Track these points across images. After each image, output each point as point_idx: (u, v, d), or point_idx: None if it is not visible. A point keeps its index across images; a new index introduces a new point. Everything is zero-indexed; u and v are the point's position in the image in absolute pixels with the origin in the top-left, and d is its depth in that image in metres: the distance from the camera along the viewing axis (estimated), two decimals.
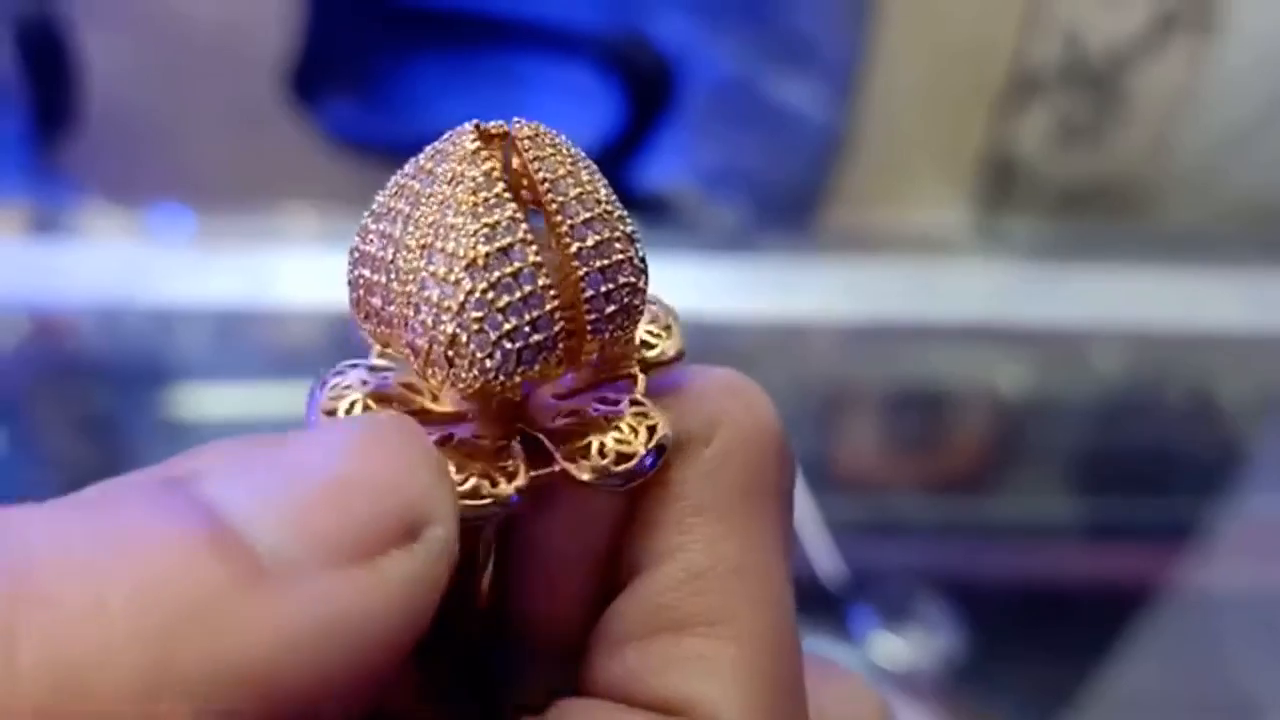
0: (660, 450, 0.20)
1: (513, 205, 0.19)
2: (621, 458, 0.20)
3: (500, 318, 0.18)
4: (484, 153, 0.19)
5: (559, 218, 0.19)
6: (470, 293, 0.18)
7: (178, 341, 0.68)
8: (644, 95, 0.84)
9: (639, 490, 0.21)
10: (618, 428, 0.20)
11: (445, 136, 0.20)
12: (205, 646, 0.15)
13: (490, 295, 0.18)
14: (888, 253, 0.83)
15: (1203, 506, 0.73)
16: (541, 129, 0.20)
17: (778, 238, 0.84)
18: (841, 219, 0.89)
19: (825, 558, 0.61)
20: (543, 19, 0.89)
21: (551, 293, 0.19)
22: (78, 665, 0.14)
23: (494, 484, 0.19)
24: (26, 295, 0.72)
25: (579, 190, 0.20)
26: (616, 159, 0.84)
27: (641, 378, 0.21)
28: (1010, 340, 0.77)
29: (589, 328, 0.20)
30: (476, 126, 0.19)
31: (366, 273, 0.20)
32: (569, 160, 0.20)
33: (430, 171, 0.19)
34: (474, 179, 0.18)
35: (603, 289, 0.20)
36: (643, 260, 0.21)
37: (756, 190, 0.86)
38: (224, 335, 0.69)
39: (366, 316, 0.20)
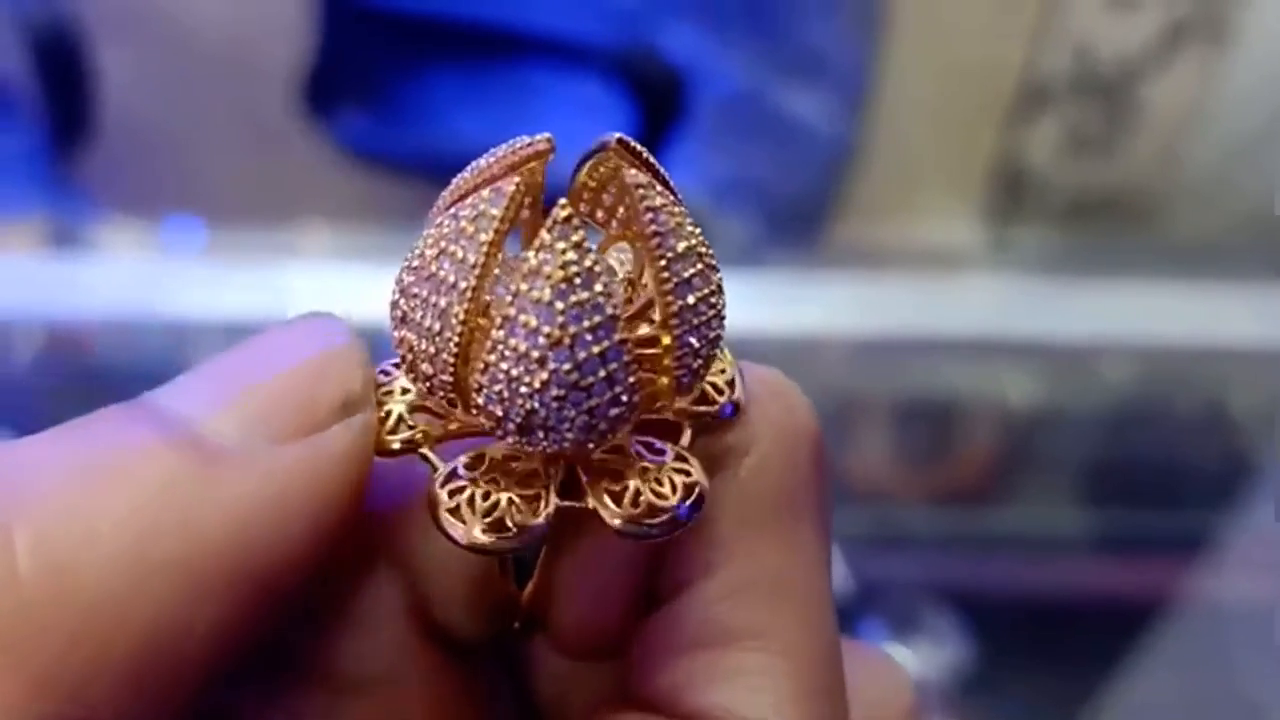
0: (695, 508, 0.19)
1: (603, 280, 0.18)
2: (654, 510, 0.19)
3: (582, 396, 0.18)
4: (574, 222, 0.18)
5: (666, 274, 0.19)
6: (555, 372, 0.18)
7: (191, 354, 0.68)
8: (654, 108, 0.84)
9: None
10: (657, 479, 0.19)
11: (493, 194, 0.19)
12: (178, 525, 0.17)
13: (574, 376, 0.18)
14: (897, 265, 0.83)
15: (1212, 519, 0.73)
16: (653, 176, 0.20)
17: (788, 250, 0.84)
18: (851, 232, 0.89)
19: (834, 569, 0.61)
20: (554, 32, 0.89)
21: (633, 366, 0.19)
22: (69, 555, 0.17)
23: (519, 514, 0.19)
24: (42, 308, 0.72)
25: (686, 245, 0.19)
26: None
27: (689, 430, 0.20)
28: (1020, 353, 0.77)
29: (676, 382, 0.20)
30: (520, 188, 0.19)
31: (412, 337, 0.20)
32: (680, 211, 0.20)
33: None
34: (563, 252, 0.18)
35: (694, 345, 0.20)
36: (724, 307, 0.20)
37: (766, 203, 0.86)
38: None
39: (412, 373, 0.20)
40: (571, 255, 0.18)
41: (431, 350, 0.19)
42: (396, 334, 0.20)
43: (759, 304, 0.74)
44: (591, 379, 0.18)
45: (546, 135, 0.20)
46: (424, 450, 0.20)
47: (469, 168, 0.20)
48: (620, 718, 0.21)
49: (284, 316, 0.21)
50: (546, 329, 0.18)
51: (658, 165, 0.20)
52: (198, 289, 0.71)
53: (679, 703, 0.20)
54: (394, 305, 0.20)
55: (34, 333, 0.72)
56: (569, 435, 0.19)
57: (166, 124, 0.87)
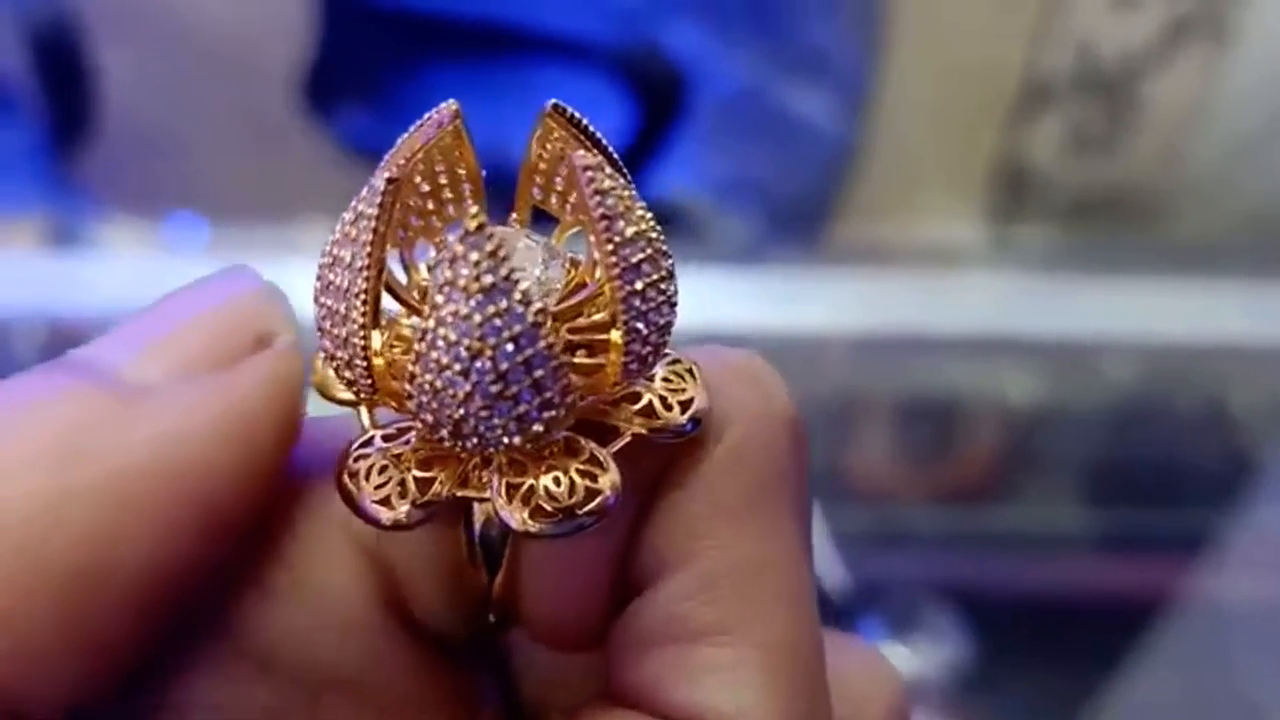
0: (596, 511, 0.19)
1: (521, 288, 0.18)
2: (543, 512, 0.19)
3: (509, 404, 0.18)
4: (486, 230, 0.17)
5: (614, 259, 0.19)
6: (478, 384, 0.18)
7: None
8: (656, 105, 0.84)
9: (651, 490, 0.20)
10: (557, 474, 0.19)
11: (374, 190, 0.19)
12: (97, 458, 0.18)
13: (498, 387, 0.18)
14: (899, 264, 0.83)
15: (1213, 518, 0.73)
16: (597, 150, 0.20)
17: (789, 249, 0.84)
18: (853, 230, 0.89)
19: (834, 568, 0.61)
20: (556, 30, 0.89)
21: (563, 369, 0.18)
22: None
23: (403, 495, 0.19)
24: (43, 306, 0.72)
25: (635, 230, 0.19)
26: (628, 169, 0.84)
27: (627, 436, 0.20)
28: (1021, 351, 0.77)
29: (623, 369, 0.19)
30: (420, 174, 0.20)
31: (326, 338, 0.20)
32: (629, 195, 0.19)
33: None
34: (477, 263, 0.17)
35: (642, 332, 0.19)
36: (676, 294, 0.20)
37: (768, 201, 0.86)
38: None
39: (339, 377, 0.20)
40: (486, 265, 0.17)
41: (345, 357, 0.19)
42: (319, 341, 0.20)
43: (761, 303, 0.74)
44: (516, 387, 0.18)
45: (451, 102, 0.21)
46: (360, 411, 0.21)
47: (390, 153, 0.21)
48: (603, 715, 0.21)
49: (298, 328, 0.21)
50: (466, 341, 0.18)
51: (600, 136, 0.20)
52: None
53: (655, 700, 0.20)
54: (315, 309, 0.20)
55: (35, 331, 0.72)
56: (503, 439, 0.18)
57: (167, 121, 0.87)
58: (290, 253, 0.73)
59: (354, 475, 0.19)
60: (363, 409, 0.20)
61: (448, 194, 0.21)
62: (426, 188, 0.21)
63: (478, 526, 0.21)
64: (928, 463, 0.77)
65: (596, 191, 0.19)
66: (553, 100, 0.20)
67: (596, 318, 0.20)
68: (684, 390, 0.20)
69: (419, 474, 0.19)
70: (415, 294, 0.21)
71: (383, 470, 0.19)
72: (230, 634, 0.20)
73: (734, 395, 0.21)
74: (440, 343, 0.18)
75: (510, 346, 0.18)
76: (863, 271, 0.80)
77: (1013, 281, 0.81)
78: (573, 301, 0.20)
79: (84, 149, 0.81)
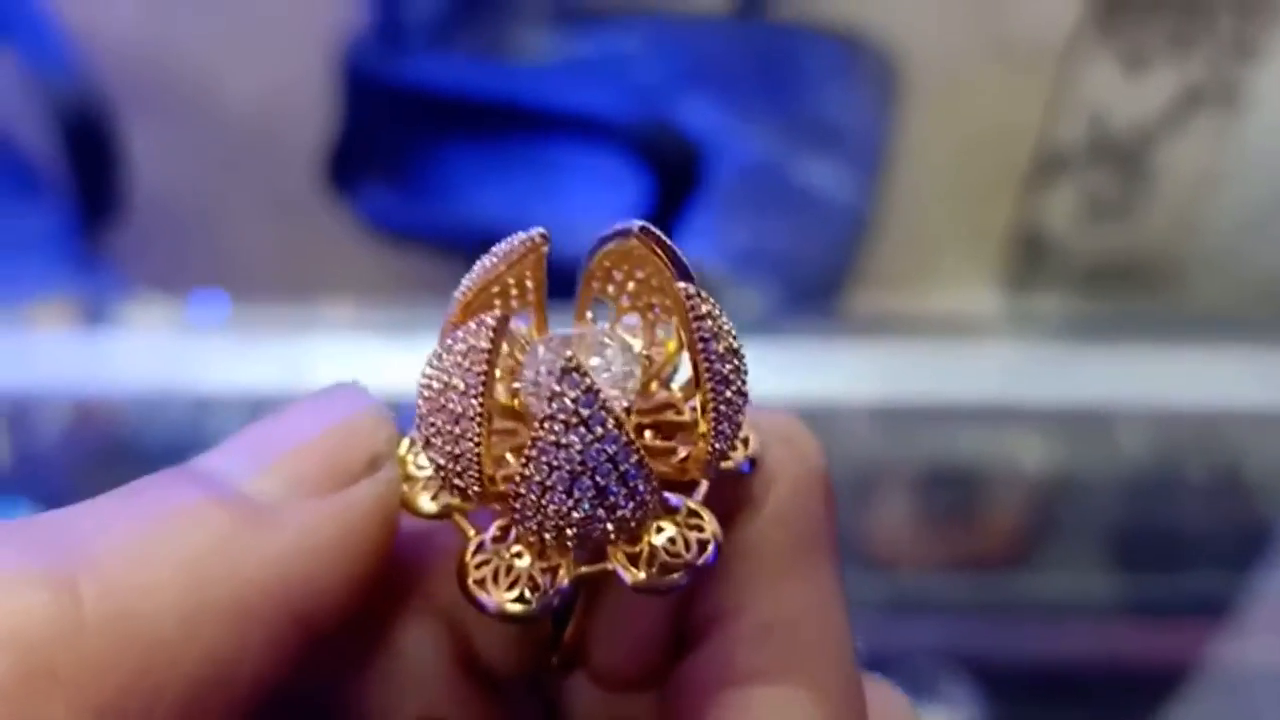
0: (709, 562, 0.21)
1: (614, 416, 0.20)
2: (668, 569, 0.21)
3: (608, 512, 0.20)
4: (581, 370, 0.20)
5: (709, 374, 0.21)
6: (578, 501, 0.20)
7: (216, 427, 0.69)
8: (672, 180, 0.85)
9: None
10: (671, 536, 0.21)
11: (470, 335, 0.21)
12: (227, 573, 0.19)
13: (598, 500, 0.20)
14: (915, 333, 0.83)
15: (1231, 584, 0.73)
16: (672, 260, 0.22)
17: (805, 319, 0.84)
18: (869, 300, 0.89)
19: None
20: (573, 108, 0.90)
21: (652, 471, 0.20)
22: (130, 604, 0.18)
23: (538, 585, 0.21)
24: (70, 383, 0.73)
25: (725, 346, 0.21)
26: None
27: (704, 485, 0.22)
28: (1037, 419, 0.77)
29: (707, 464, 0.21)
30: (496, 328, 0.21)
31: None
32: (719, 315, 0.21)
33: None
34: (574, 401, 0.20)
35: (725, 431, 0.21)
36: (748, 389, 0.22)
37: (784, 272, 0.87)
38: None
39: (446, 486, 0.22)
40: (583, 399, 0.20)
41: (459, 469, 0.21)
42: (426, 455, 0.22)
43: (778, 372, 0.75)
44: (613, 498, 0.20)
45: (540, 230, 0.22)
46: (456, 518, 0.22)
47: (473, 270, 0.22)
48: None
49: (308, 389, 0.23)
50: (568, 466, 0.20)
51: (676, 250, 0.22)
52: (222, 363, 0.72)
53: None
54: (417, 426, 0.22)
55: (63, 406, 0.73)
56: (599, 538, 0.21)
57: (193, 199, 0.88)
58: (312, 329, 0.74)
59: (481, 583, 0.21)
60: (458, 517, 0.22)
61: (520, 291, 0.23)
62: (512, 287, 0.23)
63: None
64: (944, 530, 0.77)
65: (696, 317, 0.21)
66: (639, 223, 0.22)
67: (661, 396, 0.23)
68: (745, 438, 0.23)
69: (542, 565, 0.21)
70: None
71: (509, 571, 0.21)
72: (322, 704, 0.22)
73: (775, 456, 0.23)
74: (544, 467, 0.20)
75: (609, 466, 0.20)
76: (879, 341, 0.81)
77: (1028, 349, 0.82)
78: (652, 404, 0.23)
79: (111, 228, 0.82)
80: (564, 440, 0.20)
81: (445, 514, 0.22)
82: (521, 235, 0.22)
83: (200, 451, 0.21)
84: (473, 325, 0.21)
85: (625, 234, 0.22)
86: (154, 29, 0.86)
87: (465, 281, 0.22)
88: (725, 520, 0.22)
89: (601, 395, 0.20)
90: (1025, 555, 0.77)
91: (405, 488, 0.22)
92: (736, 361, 0.21)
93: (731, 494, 0.22)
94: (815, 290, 0.88)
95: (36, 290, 0.77)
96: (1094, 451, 0.78)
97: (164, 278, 0.83)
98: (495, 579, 0.21)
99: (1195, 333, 0.81)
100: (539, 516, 0.20)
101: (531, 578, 0.21)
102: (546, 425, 0.20)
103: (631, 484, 0.20)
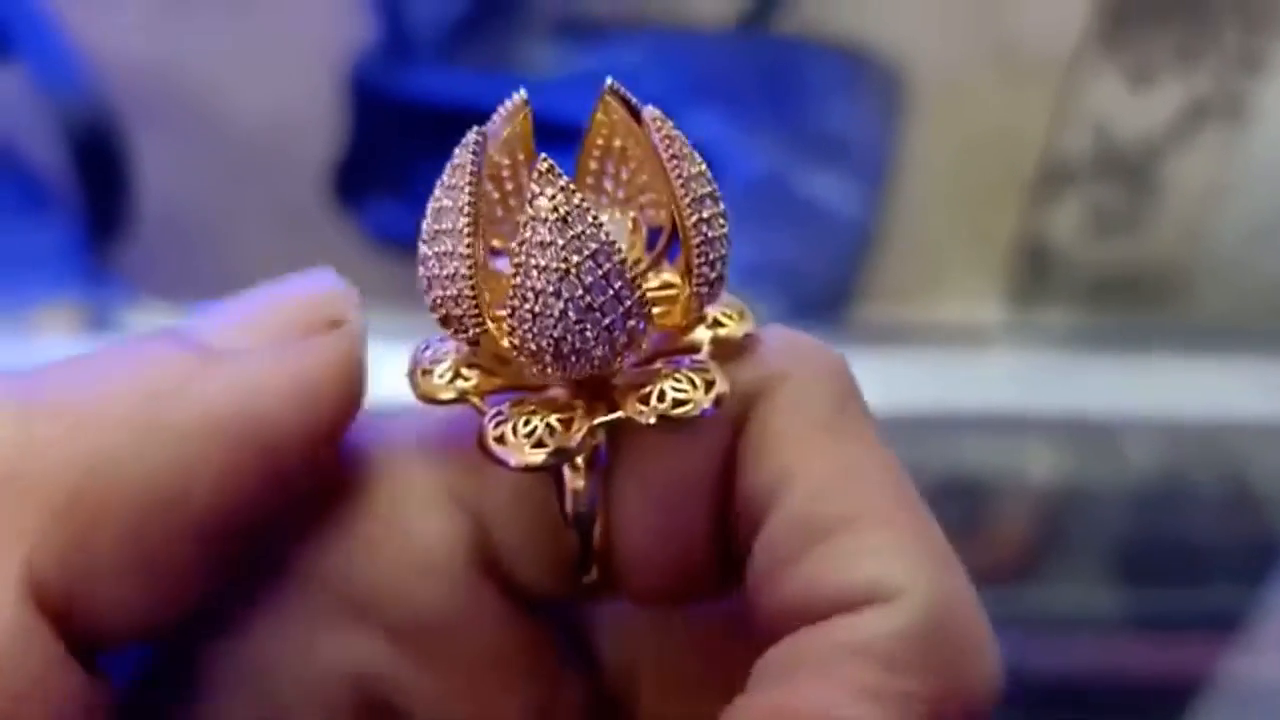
0: (718, 399, 0.21)
1: (590, 214, 0.21)
2: (679, 403, 0.21)
3: (598, 315, 0.21)
4: (556, 170, 0.21)
5: (683, 191, 0.22)
6: (569, 300, 0.21)
7: None
8: None
9: (740, 434, 0.22)
10: (676, 378, 0.22)
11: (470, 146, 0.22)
12: (177, 402, 0.21)
13: (586, 299, 0.21)
14: (920, 345, 0.83)
15: (1241, 597, 0.73)
16: (671, 125, 0.22)
17: (812, 331, 0.84)
18: (875, 312, 0.89)
19: None
20: (578, 121, 0.90)
21: (636, 282, 0.21)
22: (81, 418, 0.20)
23: (556, 433, 0.22)
24: None
25: (698, 169, 0.22)
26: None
27: (707, 346, 0.23)
28: (1043, 431, 0.77)
29: (695, 292, 0.22)
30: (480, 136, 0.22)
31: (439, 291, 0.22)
32: (690, 149, 0.22)
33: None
34: (552, 196, 0.20)
35: (710, 258, 0.22)
36: (728, 229, 0.23)
37: (790, 285, 0.87)
38: None
39: (446, 325, 0.23)
40: (560, 197, 0.20)
41: (453, 293, 0.22)
42: (428, 295, 0.23)
43: None
44: (601, 298, 0.21)
45: (520, 92, 0.24)
46: (472, 399, 0.23)
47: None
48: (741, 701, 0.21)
49: None
50: (554, 264, 0.20)
51: (637, 104, 0.23)
52: None
53: (811, 600, 0.20)
54: (420, 265, 0.23)
55: None
56: (595, 353, 0.21)
57: (201, 213, 0.88)
58: None
59: (500, 439, 0.22)
60: (475, 398, 0.23)
61: (523, 177, 0.24)
62: (507, 171, 0.24)
63: (569, 497, 0.23)
64: (951, 542, 0.76)
65: (665, 136, 0.22)
66: (609, 80, 0.24)
67: (652, 283, 0.23)
68: (741, 315, 0.24)
69: (559, 417, 0.22)
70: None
71: (526, 423, 0.22)
72: (327, 585, 0.23)
73: (794, 346, 0.23)
74: (532, 270, 0.21)
75: (591, 262, 0.21)
76: (885, 353, 0.81)
77: (1034, 361, 0.81)
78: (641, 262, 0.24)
79: (121, 240, 0.83)
80: (546, 236, 0.20)
81: (462, 397, 0.23)
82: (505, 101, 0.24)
83: None
84: (456, 149, 0.22)
85: (603, 91, 0.24)
86: (162, 45, 0.86)
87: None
88: (752, 399, 0.22)
89: (578, 195, 0.20)
90: (1032, 567, 0.76)
91: (422, 382, 0.23)
92: (710, 188, 0.22)
93: (749, 375, 0.22)
94: (821, 302, 0.88)
95: (42, 297, 0.77)
96: (1101, 463, 0.78)
97: (171, 290, 0.84)
98: (514, 432, 0.22)
99: (1202, 344, 0.81)
100: (534, 329, 0.21)
101: (550, 426, 0.22)
102: (530, 227, 0.21)
103: (616, 287, 0.21)
